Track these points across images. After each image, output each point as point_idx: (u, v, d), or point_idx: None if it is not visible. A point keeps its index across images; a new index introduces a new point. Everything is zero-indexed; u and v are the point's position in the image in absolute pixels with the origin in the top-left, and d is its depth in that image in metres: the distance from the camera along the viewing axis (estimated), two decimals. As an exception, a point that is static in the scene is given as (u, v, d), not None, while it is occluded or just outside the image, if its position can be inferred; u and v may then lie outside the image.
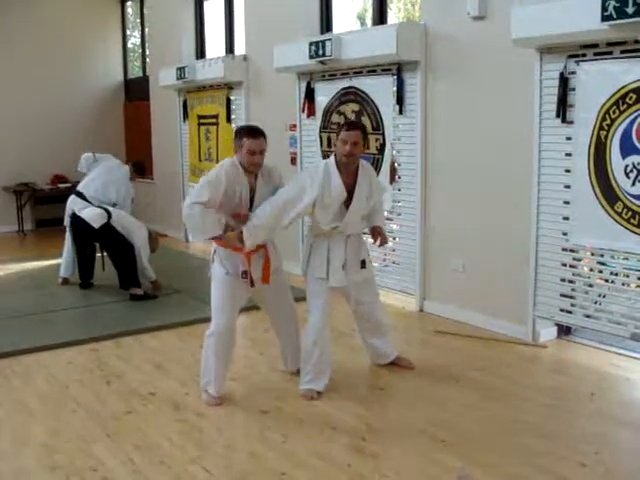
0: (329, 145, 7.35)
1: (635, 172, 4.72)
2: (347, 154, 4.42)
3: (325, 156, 7.39)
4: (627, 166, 4.77)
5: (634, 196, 4.74)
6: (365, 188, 4.56)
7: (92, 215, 7.07)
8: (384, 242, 4.80)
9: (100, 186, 7.40)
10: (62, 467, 3.69)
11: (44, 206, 11.56)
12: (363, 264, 4.72)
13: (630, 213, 4.78)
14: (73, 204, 7.43)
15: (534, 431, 4.03)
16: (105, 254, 7.49)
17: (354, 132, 4.45)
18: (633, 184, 4.74)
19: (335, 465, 3.67)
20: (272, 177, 4.57)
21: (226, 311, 4.44)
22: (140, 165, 8.03)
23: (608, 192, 4.91)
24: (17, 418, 4.34)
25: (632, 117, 4.70)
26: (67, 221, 7.49)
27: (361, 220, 4.71)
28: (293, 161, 7.96)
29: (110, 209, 7.15)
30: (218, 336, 4.40)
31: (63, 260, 7.65)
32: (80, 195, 7.47)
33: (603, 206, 4.95)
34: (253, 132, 4.40)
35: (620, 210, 4.84)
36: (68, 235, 7.55)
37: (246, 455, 3.81)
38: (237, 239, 4.31)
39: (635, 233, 4.77)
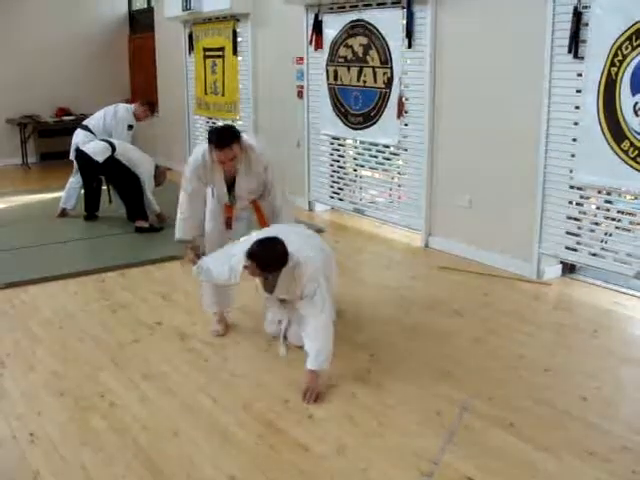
0: (335, 79, 7.26)
1: (644, 110, 4.66)
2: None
3: (331, 90, 7.33)
4: (636, 103, 4.68)
5: (642, 134, 4.69)
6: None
7: (95, 149, 7.06)
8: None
9: (100, 117, 7.57)
10: (71, 393, 3.75)
11: (48, 139, 11.49)
12: None
13: (637, 152, 4.71)
14: (77, 137, 7.49)
15: (537, 366, 4.08)
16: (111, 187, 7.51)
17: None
18: (642, 122, 4.68)
19: (340, 395, 3.72)
20: (254, 168, 4.28)
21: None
22: (151, 103, 8.01)
23: (616, 130, 4.84)
24: (25, 346, 4.39)
25: (645, 53, 4.62)
26: (73, 155, 7.50)
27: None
28: (300, 94, 7.88)
29: (115, 142, 7.13)
30: None
31: (65, 191, 7.66)
32: (85, 128, 7.50)
33: (610, 144, 4.88)
34: (219, 143, 4.08)
35: (627, 148, 4.78)
36: (75, 169, 7.54)
37: (251, 383, 3.87)
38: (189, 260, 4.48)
39: (641, 172, 4.73)
